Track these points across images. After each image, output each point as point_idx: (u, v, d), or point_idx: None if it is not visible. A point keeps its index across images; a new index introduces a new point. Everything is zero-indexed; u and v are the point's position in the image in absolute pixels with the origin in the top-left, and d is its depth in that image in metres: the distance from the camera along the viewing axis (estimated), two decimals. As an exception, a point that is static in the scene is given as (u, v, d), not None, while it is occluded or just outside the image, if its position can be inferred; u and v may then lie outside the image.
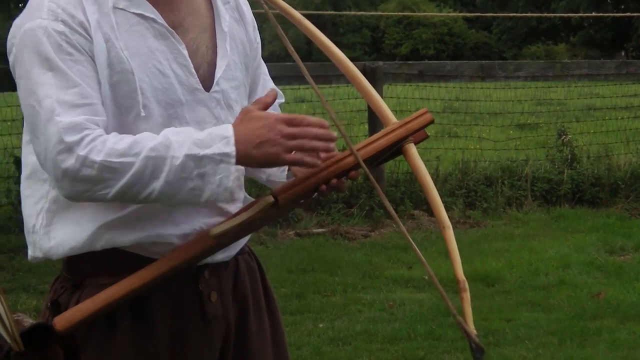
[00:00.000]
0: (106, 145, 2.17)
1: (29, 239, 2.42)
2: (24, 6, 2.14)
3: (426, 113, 2.39)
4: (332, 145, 2.29)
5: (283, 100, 2.75)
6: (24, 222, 2.43)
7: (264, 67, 2.71)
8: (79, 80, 2.22)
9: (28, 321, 2.32)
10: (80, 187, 2.19)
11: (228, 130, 2.23)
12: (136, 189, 2.19)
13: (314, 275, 7.92)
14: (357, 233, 9.53)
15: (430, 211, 10.04)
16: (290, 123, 2.24)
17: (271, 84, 2.72)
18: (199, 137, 2.21)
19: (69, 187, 2.20)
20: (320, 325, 6.62)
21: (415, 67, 10.92)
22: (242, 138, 2.22)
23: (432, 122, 2.39)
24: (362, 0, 73.96)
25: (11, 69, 2.32)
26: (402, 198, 10.18)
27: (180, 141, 2.19)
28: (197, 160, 2.19)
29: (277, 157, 2.23)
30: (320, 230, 9.62)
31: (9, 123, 10.59)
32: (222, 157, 2.20)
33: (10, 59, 2.31)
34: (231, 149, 2.20)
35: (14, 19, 2.35)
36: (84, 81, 2.23)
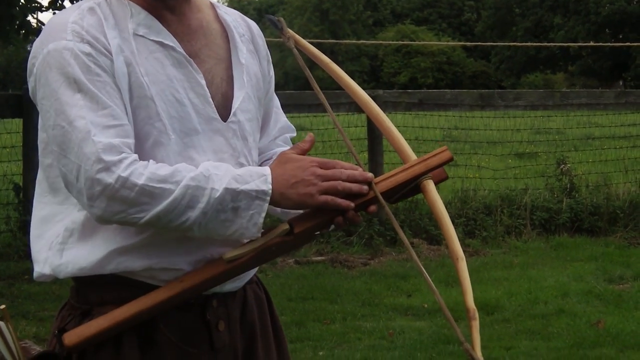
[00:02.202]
0: (148, 169, 2.19)
1: (39, 257, 2.40)
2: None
3: (446, 151, 2.39)
4: (365, 187, 2.29)
5: (295, 134, 2.76)
6: (34, 239, 2.41)
7: (276, 101, 2.72)
8: (110, 102, 2.22)
9: (35, 349, 2.31)
10: (116, 207, 2.18)
11: (266, 169, 2.27)
12: (171, 216, 2.20)
13: (313, 303, 7.92)
14: (356, 261, 9.53)
15: (429, 240, 10.09)
16: (324, 165, 2.28)
17: (283, 118, 2.74)
18: (238, 173, 2.24)
19: (104, 207, 2.19)
20: (320, 354, 6.61)
21: (415, 96, 10.92)
22: (278, 178, 2.26)
23: (451, 159, 2.40)
24: (361, 29, 74.24)
25: (31, 91, 2.32)
26: (402, 226, 10.17)
27: (220, 174, 2.22)
28: (235, 194, 2.22)
29: (310, 197, 2.26)
30: (319, 258, 9.62)
31: (7, 150, 10.57)
32: (258, 194, 2.23)
33: (31, 80, 2.30)
34: (268, 186, 2.24)
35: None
36: (114, 102, 2.23)
